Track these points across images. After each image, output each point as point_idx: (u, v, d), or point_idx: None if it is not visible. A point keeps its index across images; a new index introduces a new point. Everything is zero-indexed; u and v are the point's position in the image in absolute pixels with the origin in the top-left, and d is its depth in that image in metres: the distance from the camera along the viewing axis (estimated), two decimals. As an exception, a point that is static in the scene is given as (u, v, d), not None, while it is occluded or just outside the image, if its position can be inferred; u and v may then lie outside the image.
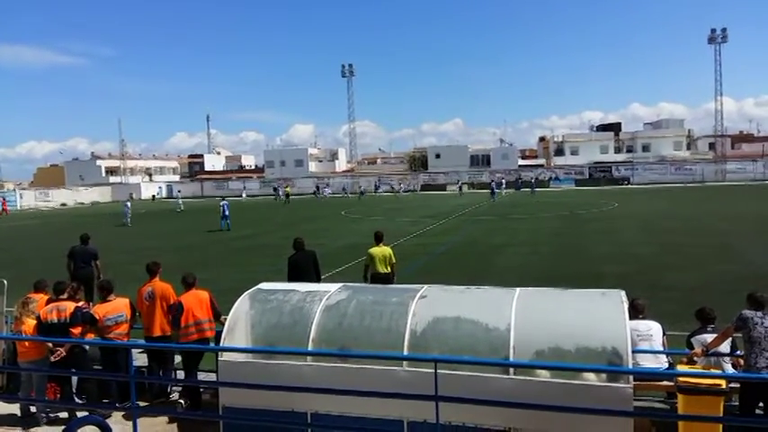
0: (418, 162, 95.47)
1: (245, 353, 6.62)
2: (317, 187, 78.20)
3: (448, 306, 6.56)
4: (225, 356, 6.56)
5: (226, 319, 6.85)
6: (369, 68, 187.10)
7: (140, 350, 8.25)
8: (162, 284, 8.03)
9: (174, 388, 8.12)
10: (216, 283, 15.60)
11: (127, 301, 7.88)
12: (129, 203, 41.86)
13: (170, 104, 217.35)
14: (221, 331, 6.88)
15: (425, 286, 7.02)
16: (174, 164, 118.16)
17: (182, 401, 7.44)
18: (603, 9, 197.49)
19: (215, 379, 7.04)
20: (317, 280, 10.61)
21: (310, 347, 6.27)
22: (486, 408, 5.50)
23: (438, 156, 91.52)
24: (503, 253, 21.48)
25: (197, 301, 7.63)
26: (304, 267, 10.70)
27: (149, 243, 28.72)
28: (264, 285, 7.50)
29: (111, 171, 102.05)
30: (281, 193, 72.64)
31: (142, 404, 7.49)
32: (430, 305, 6.51)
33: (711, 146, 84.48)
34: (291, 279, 10.40)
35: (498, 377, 5.67)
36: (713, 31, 79.53)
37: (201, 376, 7.90)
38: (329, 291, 7.01)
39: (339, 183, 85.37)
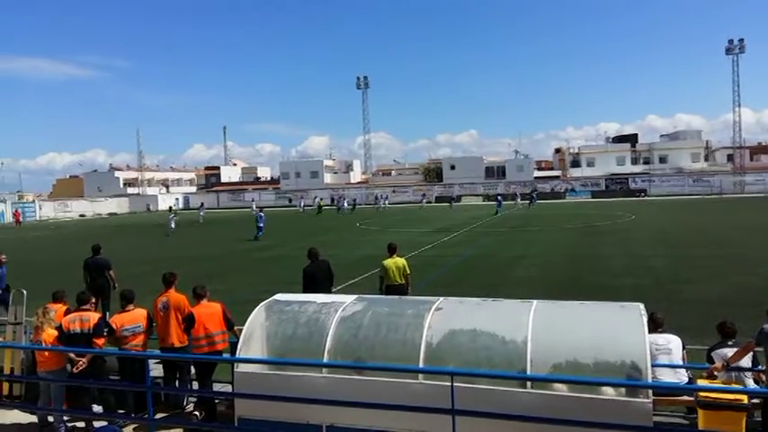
0: (433, 173, 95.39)
1: (260, 364, 6.63)
2: (336, 199, 77.62)
3: (464, 318, 6.53)
4: (241, 367, 6.58)
5: (240, 329, 6.87)
6: (384, 80, 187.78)
7: (157, 361, 8.29)
8: (177, 295, 8.07)
9: (189, 399, 8.15)
10: (232, 294, 15.72)
11: (145, 312, 7.94)
12: (173, 216, 42.13)
13: (188, 117, 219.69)
14: (236, 342, 6.90)
15: (441, 298, 7.00)
16: (191, 175, 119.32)
17: (197, 413, 7.46)
18: (619, 21, 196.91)
19: (230, 390, 7.06)
20: (330, 289, 10.65)
21: (326, 359, 6.27)
22: (502, 422, 5.45)
23: (453, 167, 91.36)
24: (518, 265, 21.34)
25: (209, 313, 7.65)
26: (319, 277, 10.76)
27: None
28: (280, 296, 7.52)
29: (129, 183, 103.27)
30: (301, 204, 72.76)
31: (158, 415, 7.52)
32: (446, 317, 6.48)
33: (730, 157, 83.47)
34: (306, 289, 10.45)
35: (515, 391, 5.62)
36: (730, 41, 78.92)
37: (217, 387, 7.92)
38: (345, 302, 7.02)
39: (353, 194, 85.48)
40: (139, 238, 41.34)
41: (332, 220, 51.18)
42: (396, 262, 11.43)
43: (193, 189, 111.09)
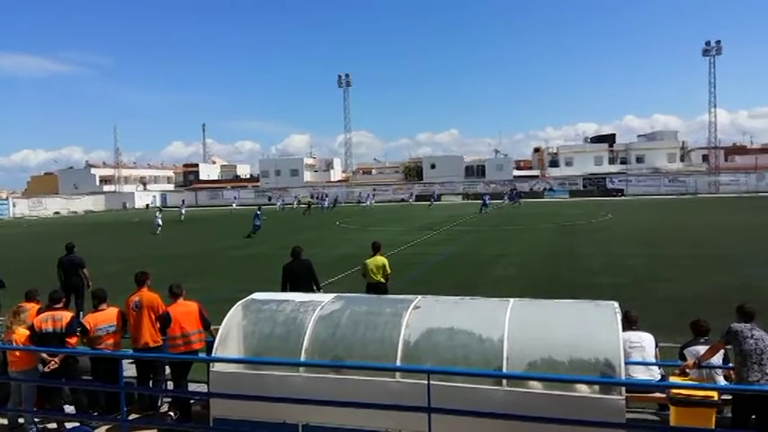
0: (413, 172, 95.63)
1: (236, 363, 6.58)
2: (316, 197, 77.30)
3: (441, 317, 6.55)
4: (217, 367, 6.52)
5: (216, 329, 6.81)
6: (365, 78, 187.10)
7: (130, 361, 8.18)
8: (150, 294, 7.95)
9: (163, 399, 8.05)
10: (209, 293, 15.57)
11: (118, 311, 7.82)
12: (159, 214, 41.44)
13: (166, 113, 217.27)
14: (212, 341, 6.84)
15: (419, 297, 7.01)
16: (169, 173, 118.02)
17: (171, 413, 7.37)
18: (597, 22, 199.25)
19: (206, 390, 6.99)
20: (316, 289, 10.71)
21: (303, 358, 6.24)
22: (478, 419, 5.48)
23: (433, 166, 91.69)
24: (497, 263, 21.49)
25: (185, 312, 7.56)
26: (299, 275, 10.74)
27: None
28: (258, 295, 7.47)
29: (106, 180, 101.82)
30: (280, 202, 72.46)
31: (131, 416, 7.42)
32: (423, 316, 6.49)
33: (705, 158, 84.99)
34: (285, 286, 10.50)
35: (491, 388, 5.65)
36: (707, 43, 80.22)
37: (192, 387, 7.84)
38: (323, 301, 7.00)
39: (334, 193, 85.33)
40: (115, 236, 40.80)
41: (312, 219, 51.01)
42: (375, 260, 11.55)
43: (171, 187, 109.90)
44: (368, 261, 11.59)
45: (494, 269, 20.28)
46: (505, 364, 5.68)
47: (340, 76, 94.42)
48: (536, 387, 5.65)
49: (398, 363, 5.97)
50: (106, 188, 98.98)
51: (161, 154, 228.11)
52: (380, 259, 11.60)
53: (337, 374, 6.10)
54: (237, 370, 6.53)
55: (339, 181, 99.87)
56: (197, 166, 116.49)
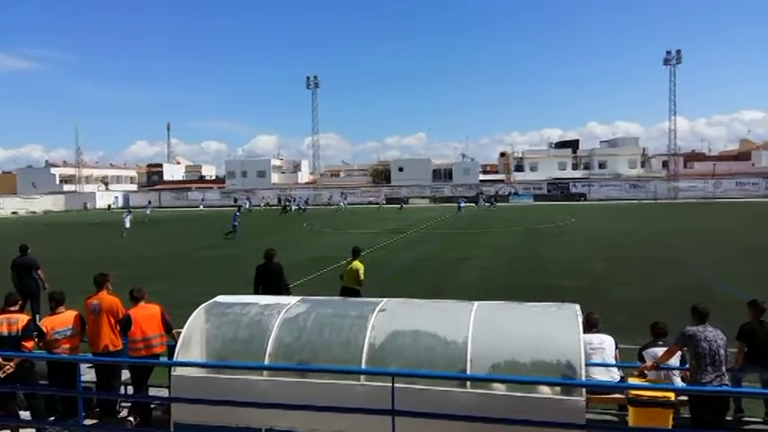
0: (381, 175, 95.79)
1: (199, 367, 6.48)
2: (285, 199, 76.48)
3: (407, 319, 6.57)
4: (178, 371, 6.41)
5: (178, 332, 6.70)
6: (334, 80, 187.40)
7: (89, 365, 7.98)
8: (109, 298, 7.74)
9: (123, 404, 7.88)
10: (174, 296, 15.31)
11: (76, 313, 7.63)
12: (128, 215, 40.25)
13: (130, 112, 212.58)
14: (174, 345, 6.72)
15: (385, 299, 7.02)
16: (132, 173, 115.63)
17: (131, 418, 7.22)
18: (562, 31, 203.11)
19: (167, 395, 6.87)
20: (285, 291, 10.80)
21: (267, 362, 6.18)
22: (441, 422, 5.51)
23: (401, 169, 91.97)
24: (464, 266, 21.67)
25: (147, 315, 7.42)
26: (269, 277, 11.01)
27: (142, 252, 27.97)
28: (221, 298, 7.38)
29: (66, 180, 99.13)
30: (247, 204, 71.62)
31: (89, 422, 7.24)
32: (389, 318, 6.50)
33: (665, 164, 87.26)
34: (257, 287, 10.84)
35: (455, 391, 5.69)
36: (668, 52, 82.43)
37: (152, 392, 7.69)
38: (288, 304, 6.95)
39: (302, 195, 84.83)
40: (76, 237, 39.79)
41: (280, 221, 50.63)
42: (352, 266, 11.72)
43: (134, 187, 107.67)
44: (346, 264, 11.85)
45: (460, 272, 20.45)
46: (469, 366, 5.73)
47: (308, 78, 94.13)
48: (499, 389, 5.71)
49: (363, 365, 5.97)
50: (66, 188, 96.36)
51: (124, 153, 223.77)
52: (356, 264, 11.73)
53: (302, 378, 6.07)
54: (199, 374, 6.42)
55: (307, 183, 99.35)
56: (161, 166, 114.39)
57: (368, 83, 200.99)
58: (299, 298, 7.29)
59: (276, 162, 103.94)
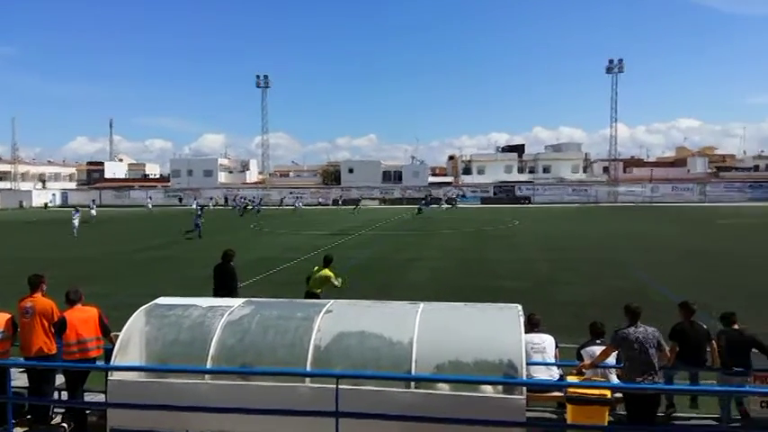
0: (331, 176, 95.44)
1: (137, 371, 6.30)
2: (247, 199, 74.62)
3: (353, 321, 6.57)
4: (115, 375, 6.21)
5: (116, 335, 6.49)
6: (284, 79, 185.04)
7: (21, 369, 7.62)
8: (43, 300, 7.41)
9: (56, 410, 7.56)
10: (112, 298, 14.81)
11: (9, 317, 7.28)
12: (76, 213, 38.26)
13: (71, 107, 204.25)
14: (111, 349, 6.50)
15: (332, 301, 7.01)
16: (72, 170, 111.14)
17: (65, 425, 6.94)
18: (510, 37, 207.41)
19: (103, 400, 6.63)
20: (233, 293, 10.88)
21: (209, 365, 6.06)
22: (386, 422, 5.54)
23: (351, 170, 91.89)
24: (412, 267, 21.83)
25: (83, 318, 7.15)
26: (222, 278, 11.41)
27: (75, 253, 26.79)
28: (162, 300, 7.20)
29: (1, 176, 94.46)
30: (195, 204, 69.52)
31: (20, 429, 6.92)
32: (335, 320, 6.49)
33: (605, 169, 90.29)
34: (214, 287, 11.33)
35: (400, 391, 5.73)
36: (611, 61, 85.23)
37: (88, 397, 7.41)
38: (232, 306, 6.83)
39: (250, 195, 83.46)
40: (10, 236, 37.96)
41: (227, 222, 49.72)
42: (320, 272, 11.77)
43: (73, 185, 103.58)
44: (314, 271, 11.89)
45: (408, 273, 20.59)
46: (414, 366, 5.78)
47: (258, 77, 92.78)
48: (443, 388, 5.78)
49: (309, 368, 5.93)
50: (1, 185, 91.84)
51: (63, 150, 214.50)
52: (324, 272, 11.74)
53: (245, 381, 5.98)
54: (138, 378, 6.25)
55: (255, 183, 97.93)
56: (102, 164, 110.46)
57: (319, 83, 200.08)
58: (243, 300, 7.18)
59: (224, 161, 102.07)
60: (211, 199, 79.73)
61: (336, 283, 11.62)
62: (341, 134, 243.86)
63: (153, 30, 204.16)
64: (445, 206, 67.66)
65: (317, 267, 12.05)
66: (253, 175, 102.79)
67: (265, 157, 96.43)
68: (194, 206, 66.59)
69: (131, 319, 6.57)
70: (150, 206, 69.23)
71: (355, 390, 5.67)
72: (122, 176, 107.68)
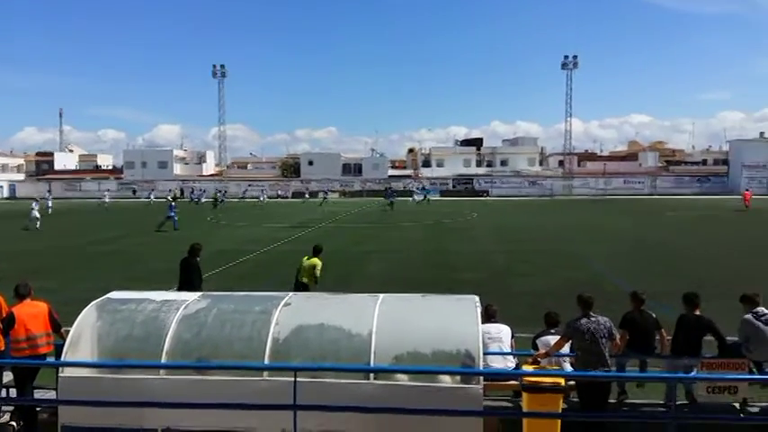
0: (290, 168, 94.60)
1: (89, 367, 6.14)
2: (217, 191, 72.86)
3: (312, 313, 6.55)
4: (66, 372, 6.04)
5: (68, 331, 6.31)
6: (242, 69, 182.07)
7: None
8: None
9: (3, 408, 7.32)
10: (63, 293, 14.37)
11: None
12: (36, 205, 36.49)
13: (18, 96, 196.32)
14: (62, 345, 6.32)
15: (290, 294, 6.98)
16: (20, 161, 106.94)
17: (14, 423, 6.73)
18: (469, 33, 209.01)
19: (54, 397, 6.45)
20: (197, 289, 10.68)
21: (164, 360, 5.96)
22: (345, 414, 5.55)
23: (311, 163, 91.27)
24: (372, 259, 21.88)
25: (32, 313, 6.94)
26: (186, 273, 11.32)
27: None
28: (115, 294, 7.03)
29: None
30: (150, 196, 67.93)
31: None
32: (294, 313, 6.46)
33: (561, 163, 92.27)
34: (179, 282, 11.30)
35: (359, 383, 5.75)
36: (566, 57, 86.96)
37: (38, 394, 7.20)
38: (187, 300, 6.72)
39: (206, 187, 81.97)
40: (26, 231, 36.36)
41: (185, 214, 48.71)
42: (308, 261, 11.97)
43: (21, 176, 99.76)
44: (303, 260, 12.06)
45: (367, 265, 20.62)
46: (373, 358, 5.81)
47: (215, 66, 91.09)
48: (402, 379, 5.83)
49: (267, 361, 5.90)
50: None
51: (11, 140, 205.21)
52: (312, 261, 11.95)
53: (201, 375, 5.90)
54: (90, 374, 6.09)
55: (212, 175, 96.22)
56: (52, 154, 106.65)
57: (278, 74, 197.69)
58: (199, 293, 7.08)
59: (179, 153, 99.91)
60: (170, 191, 78.15)
61: (317, 273, 11.86)
62: (300, 126, 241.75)
63: (105, 17, 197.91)
64: (417, 198, 67.94)
65: (306, 257, 12.19)
66: (210, 167, 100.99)
67: (222, 148, 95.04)
68: (168, 198, 64.94)
69: (83, 314, 6.41)
70: (107, 200, 67.40)
71: (314, 382, 5.67)
72: (73, 168, 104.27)
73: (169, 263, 21.07)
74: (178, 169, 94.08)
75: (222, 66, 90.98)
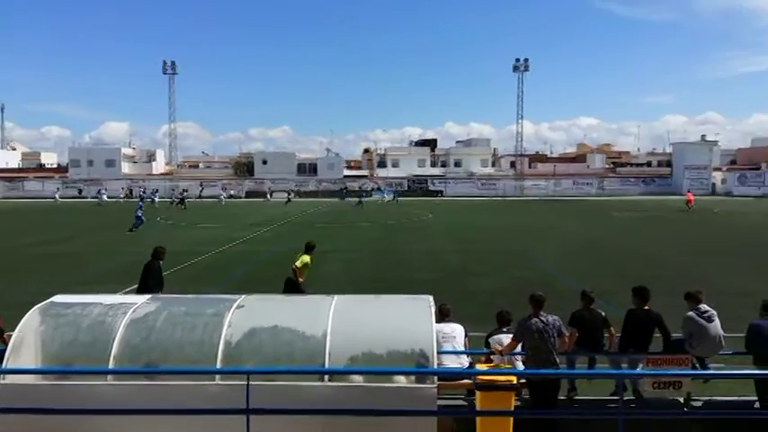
0: (244, 168, 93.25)
1: (32, 374, 5.89)
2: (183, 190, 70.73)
3: (266, 315, 6.47)
4: (7, 379, 5.79)
5: (10, 336, 6.05)
6: (193, 66, 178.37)
7: None
8: None
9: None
10: (4, 297, 13.77)
11: None
12: None
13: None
14: (3, 350, 6.06)
15: (243, 296, 6.87)
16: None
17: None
18: (423, 35, 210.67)
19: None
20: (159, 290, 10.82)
21: (111, 365, 5.78)
22: (299, 417, 5.51)
23: (265, 162, 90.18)
24: (327, 260, 21.73)
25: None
26: (146, 276, 11.24)
27: None
28: (60, 298, 6.77)
29: None
30: (101, 196, 65.57)
31: None
32: (247, 315, 6.36)
33: (512, 164, 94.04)
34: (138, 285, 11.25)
35: (313, 385, 5.71)
36: (518, 60, 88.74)
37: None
38: (136, 303, 6.53)
39: (156, 186, 79.92)
40: None
41: (126, 215, 47.36)
42: (300, 258, 12.40)
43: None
44: (297, 257, 12.50)
45: (322, 266, 20.47)
46: (328, 359, 5.78)
47: (165, 63, 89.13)
48: (357, 380, 5.82)
49: (219, 365, 5.79)
50: None
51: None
52: (303, 259, 12.39)
53: (150, 381, 5.74)
54: (33, 381, 5.85)
55: (162, 174, 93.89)
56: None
57: (231, 71, 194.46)
58: (148, 296, 6.90)
59: (127, 151, 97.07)
60: (122, 189, 76.03)
61: (299, 267, 12.22)
62: (254, 125, 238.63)
63: (47, 8, 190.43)
64: (387, 199, 68.24)
65: (299, 254, 12.49)
66: (160, 166, 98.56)
67: (173, 147, 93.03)
68: (139, 197, 62.81)
69: (25, 318, 6.16)
70: (57, 198, 65.17)
71: (267, 386, 5.60)
72: (15, 166, 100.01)
73: (119, 264, 20.51)
74: (126, 168, 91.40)
75: (173, 62, 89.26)
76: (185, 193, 64.45)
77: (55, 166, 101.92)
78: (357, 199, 56.99)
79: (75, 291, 7.53)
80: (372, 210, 52.36)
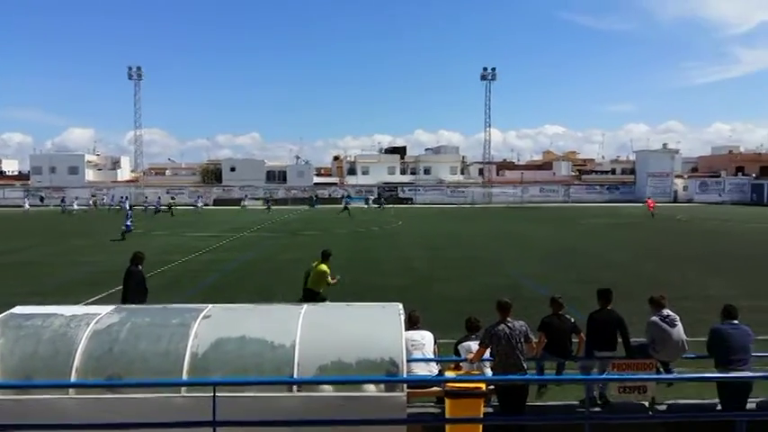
0: (212, 175, 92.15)
1: (-11, 389, 5.70)
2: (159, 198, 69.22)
3: (233, 325, 6.38)
4: (-37, 395, 5.59)
5: (-35, 350, 5.84)
6: (159, 71, 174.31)
7: None
8: None
9: None
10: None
11: None
12: None
13: None
14: (-41, 365, 5.85)
15: (210, 305, 6.77)
16: None
17: None
18: (392, 43, 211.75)
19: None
20: (142, 300, 10.50)
21: (73, 378, 5.63)
22: (268, 429, 5.45)
23: (233, 169, 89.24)
24: (295, 268, 21.55)
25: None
26: (133, 282, 10.81)
27: None
28: (20, 309, 6.58)
29: None
30: (66, 204, 63.86)
31: None
32: (214, 325, 6.27)
33: (481, 171, 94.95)
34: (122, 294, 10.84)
35: (282, 395, 5.65)
36: (485, 69, 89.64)
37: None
38: (99, 314, 6.38)
39: (121, 193, 78.39)
40: None
41: (92, 223, 46.37)
42: (318, 268, 11.90)
43: None
44: (313, 267, 12.03)
45: (291, 274, 20.33)
46: (296, 369, 5.73)
47: (130, 68, 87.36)
48: (326, 390, 5.78)
49: (185, 376, 5.69)
50: None
51: None
52: (321, 268, 11.88)
53: (114, 394, 5.61)
54: (-9, 397, 5.66)
55: (128, 181, 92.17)
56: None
57: (198, 77, 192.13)
58: (112, 307, 6.74)
59: (91, 158, 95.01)
60: (93, 196, 74.55)
61: (331, 281, 11.83)
62: (221, 131, 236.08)
63: (8, 10, 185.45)
64: (373, 205, 68.37)
65: (315, 262, 12.04)
66: (125, 173, 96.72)
67: (139, 153, 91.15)
68: (126, 206, 60.92)
69: (-19, 331, 5.95)
70: (27, 206, 63.50)
71: (235, 397, 5.52)
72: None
73: (83, 274, 20.02)
74: (90, 175, 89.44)
75: (138, 67, 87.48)
76: (173, 201, 63.70)
77: (16, 173, 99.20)
78: (343, 206, 57.00)
79: (35, 302, 7.32)
80: (357, 217, 52.26)
